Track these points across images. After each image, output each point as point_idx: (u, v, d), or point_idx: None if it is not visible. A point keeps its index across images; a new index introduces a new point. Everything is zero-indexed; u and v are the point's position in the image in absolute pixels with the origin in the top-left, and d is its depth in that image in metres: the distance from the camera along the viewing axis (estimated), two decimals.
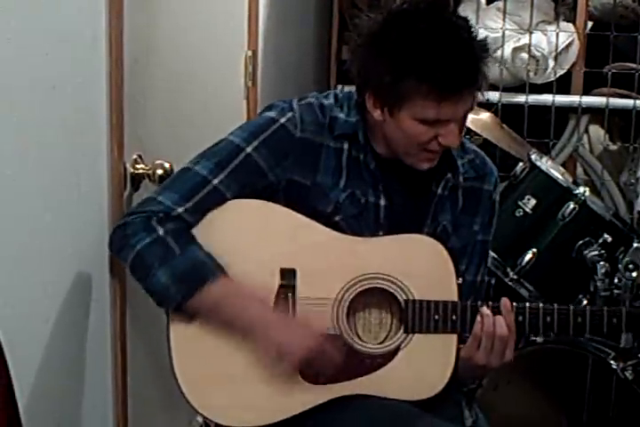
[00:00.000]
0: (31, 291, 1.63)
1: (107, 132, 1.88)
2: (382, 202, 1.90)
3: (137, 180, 2.02)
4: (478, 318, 1.83)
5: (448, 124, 1.80)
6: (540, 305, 1.86)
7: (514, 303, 1.85)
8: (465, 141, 2.01)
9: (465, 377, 1.90)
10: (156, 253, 1.79)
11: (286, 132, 1.87)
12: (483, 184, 1.99)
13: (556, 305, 1.85)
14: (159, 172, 2.02)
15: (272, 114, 1.90)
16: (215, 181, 1.84)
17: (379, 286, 1.84)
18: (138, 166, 2.01)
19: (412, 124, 1.80)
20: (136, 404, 2.08)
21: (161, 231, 1.80)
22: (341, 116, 1.90)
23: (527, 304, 1.86)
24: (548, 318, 1.85)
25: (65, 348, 1.77)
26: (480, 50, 1.80)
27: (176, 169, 1.97)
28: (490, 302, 1.85)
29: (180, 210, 1.82)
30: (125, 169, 1.97)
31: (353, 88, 1.91)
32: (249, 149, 1.86)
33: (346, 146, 1.89)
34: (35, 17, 1.57)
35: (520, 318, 1.84)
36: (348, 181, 1.89)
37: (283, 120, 1.88)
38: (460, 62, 1.76)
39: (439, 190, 1.93)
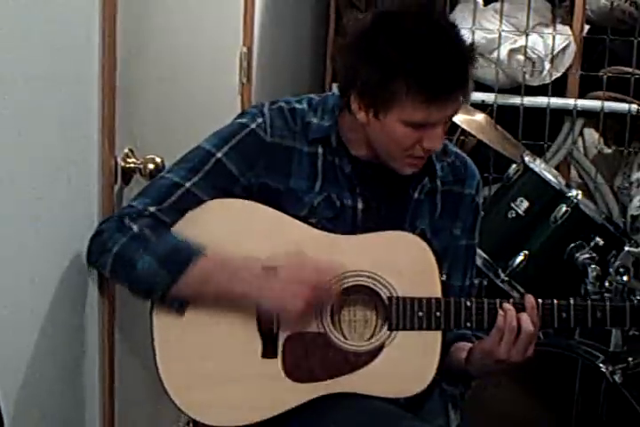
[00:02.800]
0: (19, 285, 1.62)
1: (98, 126, 1.87)
2: (360, 205, 1.90)
3: (128, 174, 2.01)
4: (500, 311, 1.82)
5: (434, 128, 1.79)
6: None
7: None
8: (447, 144, 2.00)
9: (481, 371, 1.90)
10: (135, 248, 1.79)
11: (256, 137, 1.87)
12: (463, 188, 1.98)
13: (540, 300, 1.85)
14: (150, 166, 2.01)
15: (243, 120, 1.90)
16: (188, 184, 1.85)
17: (362, 283, 1.84)
18: (129, 160, 2.00)
19: (397, 127, 1.79)
20: (122, 401, 2.07)
21: (136, 228, 1.81)
22: (315, 120, 1.89)
23: (511, 300, 1.85)
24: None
25: (51, 343, 1.75)
26: (469, 53, 1.80)
27: (167, 164, 1.97)
28: (511, 299, 1.85)
29: (153, 209, 1.83)
30: (116, 163, 1.96)
31: None
32: (219, 155, 1.87)
33: (320, 150, 1.89)
34: (28, 13, 1.56)
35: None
36: (324, 185, 1.88)
37: (253, 125, 1.88)
38: (449, 65, 1.75)
39: (416, 195, 1.93)
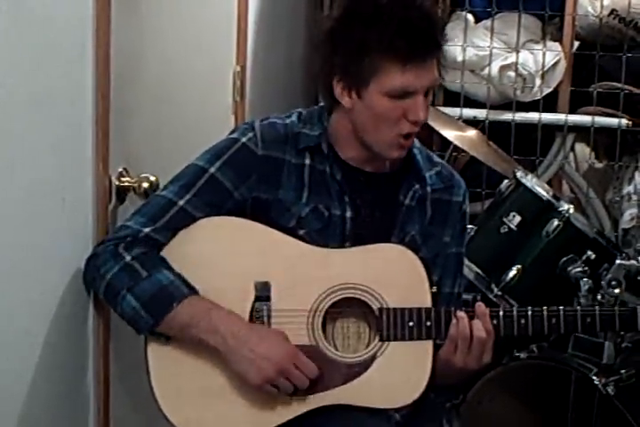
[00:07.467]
0: (14, 304, 1.63)
1: (92, 145, 1.88)
2: (348, 214, 1.92)
3: (122, 192, 2.02)
4: (454, 320, 1.85)
5: (414, 97, 1.83)
6: (514, 308, 1.89)
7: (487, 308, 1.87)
8: (432, 155, 2.05)
9: (445, 381, 1.92)
10: (123, 280, 1.82)
11: (248, 150, 1.90)
12: (451, 196, 2.02)
13: (529, 307, 1.87)
14: (145, 185, 2.03)
15: (233, 135, 1.94)
16: (181, 202, 1.88)
17: (353, 295, 1.86)
18: (123, 179, 2.02)
19: (380, 100, 1.83)
20: (118, 422, 2.06)
21: (128, 258, 1.83)
22: (305, 131, 1.93)
23: (501, 307, 1.87)
24: (523, 321, 1.87)
25: (46, 364, 1.75)
26: (438, 21, 1.88)
27: (162, 182, 1.98)
28: (464, 308, 1.87)
29: (147, 230, 1.86)
30: (111, 182, 1.97)
31: None
32: (212, 170, 1.90)
33: (307, 161, 1.92)
34: (22, 33, 1.59)
35: (494, 321, 1.86)
36: (311, 196, 1.91)
37: (244, 139, 1.91)
38: (420, 29, 1.82)
39: (407, 201, 1.96)
